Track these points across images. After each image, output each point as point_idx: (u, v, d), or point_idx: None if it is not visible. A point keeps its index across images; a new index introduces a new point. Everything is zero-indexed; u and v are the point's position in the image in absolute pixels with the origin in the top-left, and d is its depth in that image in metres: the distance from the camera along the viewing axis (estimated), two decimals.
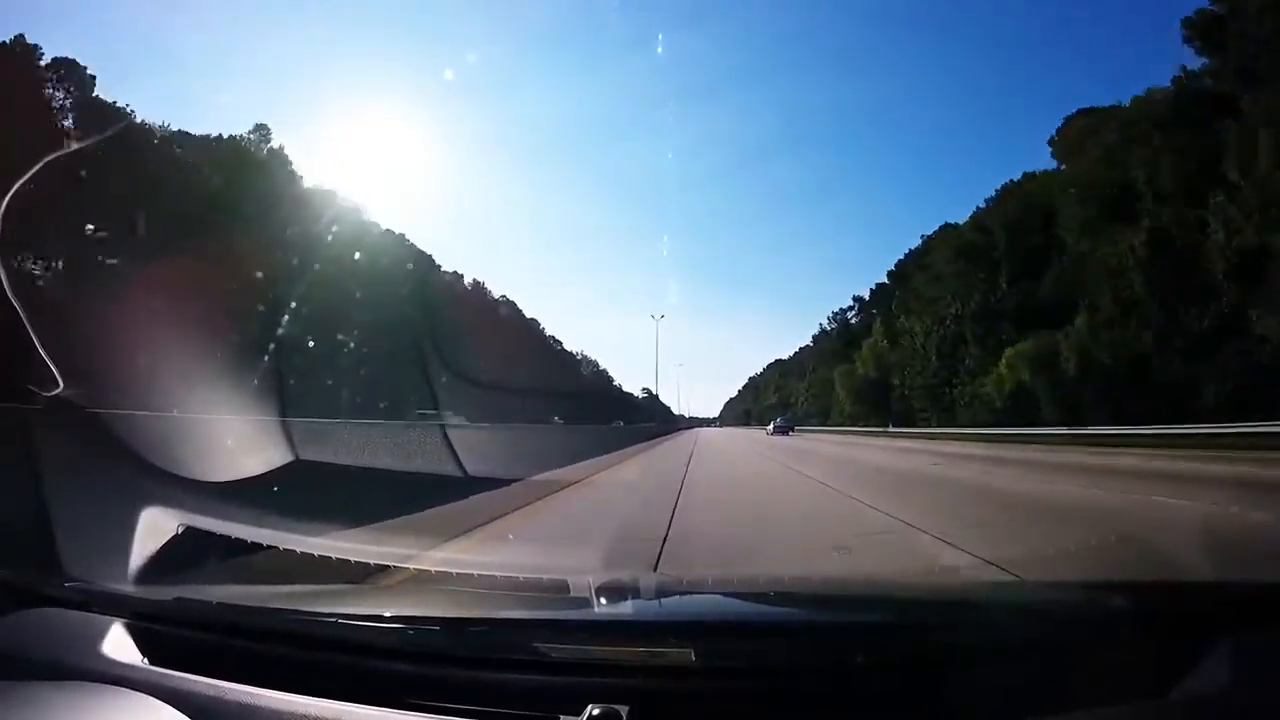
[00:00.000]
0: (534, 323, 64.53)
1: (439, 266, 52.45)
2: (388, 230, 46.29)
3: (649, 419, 76.54)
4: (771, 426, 49.73)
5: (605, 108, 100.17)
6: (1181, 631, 1.38)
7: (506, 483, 9.87)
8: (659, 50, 76.51)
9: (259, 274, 34.14)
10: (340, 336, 39.19)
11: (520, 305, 66.49)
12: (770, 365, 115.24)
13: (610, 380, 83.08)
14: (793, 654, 1.42)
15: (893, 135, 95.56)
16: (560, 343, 74.49)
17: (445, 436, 10.61)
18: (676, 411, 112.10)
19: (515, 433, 18.42)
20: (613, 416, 63.15)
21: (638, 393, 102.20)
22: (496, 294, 63.01)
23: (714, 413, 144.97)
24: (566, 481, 11.35)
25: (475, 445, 11.34)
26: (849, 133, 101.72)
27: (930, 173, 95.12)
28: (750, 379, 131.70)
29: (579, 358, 74.47)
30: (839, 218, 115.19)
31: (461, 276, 57.98)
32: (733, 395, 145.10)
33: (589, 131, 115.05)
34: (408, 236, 48.50)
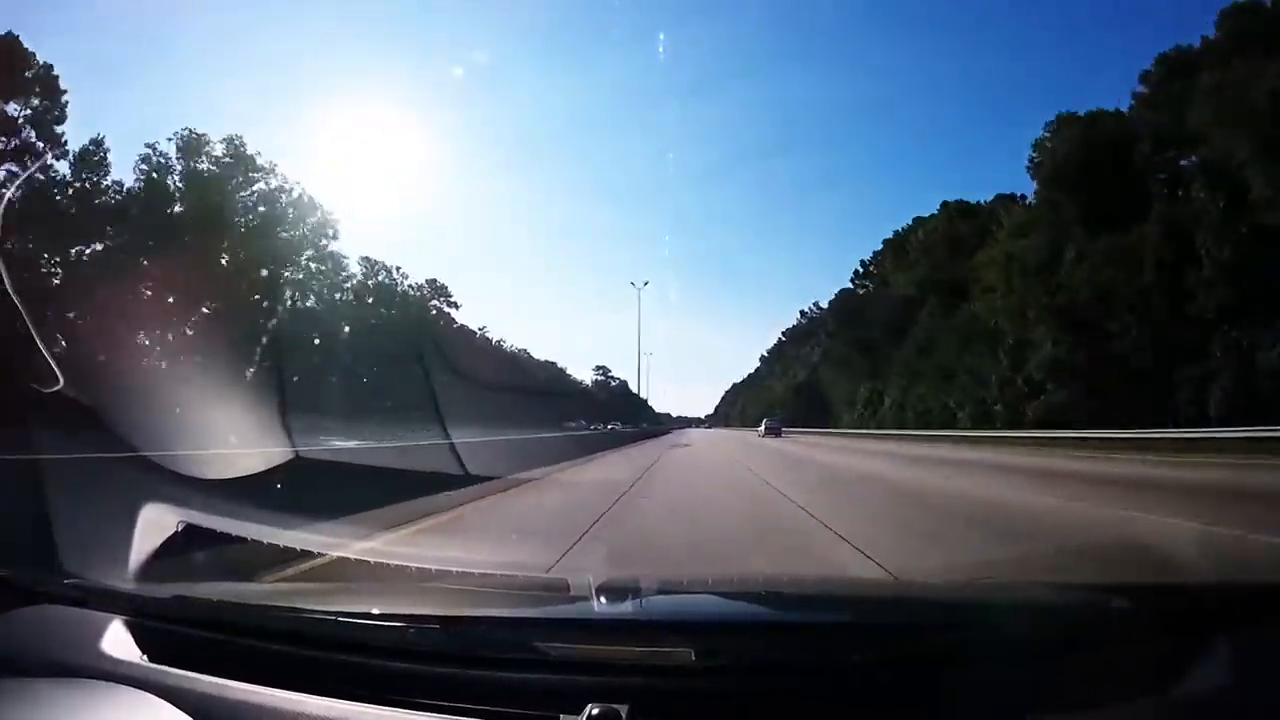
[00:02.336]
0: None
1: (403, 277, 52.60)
2: (366, 257, 48.63)
3: (626, 418, 72.34)
4: (763, 428, 50.80)
5: (601, 104, 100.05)
6: (1181, 631, 1.38)
7: None
8: (660, 50, 76.32)
9: (264, 273, 34.31)
10: (327, 340, 40.35)
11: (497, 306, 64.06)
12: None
13: (570, 377, 77.96)
14: (792, 653, 1.41)
15: (890, 131, 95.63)
16: (535, 348, 69.81)
17: None
18: (660, 410, 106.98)
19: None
20: (570, 416, 60.07)
21: (592, 382, 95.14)
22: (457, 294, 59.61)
23: (705, 411, 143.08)
24: None
25: None
26: (847, 129, 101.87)
27: (928, 167, 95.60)
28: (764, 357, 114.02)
29: (511, 348, 68.94)
30: (837, 212, 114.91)
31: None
32: (728, 388, 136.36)
33: (583, 129, 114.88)
34: (378, 235, 49.82)
